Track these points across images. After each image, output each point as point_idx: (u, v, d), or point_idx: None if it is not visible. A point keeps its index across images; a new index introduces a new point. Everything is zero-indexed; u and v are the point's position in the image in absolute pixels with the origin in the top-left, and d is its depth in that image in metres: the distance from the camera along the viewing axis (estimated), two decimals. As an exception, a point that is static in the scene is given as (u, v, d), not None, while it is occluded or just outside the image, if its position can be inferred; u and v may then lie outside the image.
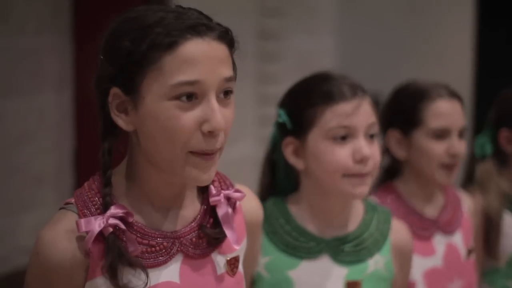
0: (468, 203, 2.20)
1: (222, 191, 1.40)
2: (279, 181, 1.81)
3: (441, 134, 2.05)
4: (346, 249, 1.72)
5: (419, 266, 2.03)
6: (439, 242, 2.08)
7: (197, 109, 1.27)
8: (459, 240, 2.11)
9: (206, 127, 1.27)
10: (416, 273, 2.01)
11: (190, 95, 1.27)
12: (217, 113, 1.28)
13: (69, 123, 3.29)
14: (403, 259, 1.82)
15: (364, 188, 1.68)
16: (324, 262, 1.70)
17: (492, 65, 5.65)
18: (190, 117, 1.27)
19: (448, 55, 5.10)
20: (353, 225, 1.76)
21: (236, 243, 1.38)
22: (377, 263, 1.74)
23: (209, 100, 1.28)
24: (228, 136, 1.33)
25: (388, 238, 1.77)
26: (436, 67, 4.84)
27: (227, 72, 1.30)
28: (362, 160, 1.66)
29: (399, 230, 1.82)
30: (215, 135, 1.29)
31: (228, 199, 1.41)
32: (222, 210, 1.38)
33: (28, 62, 3.11)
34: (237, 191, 1.42)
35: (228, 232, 1.37)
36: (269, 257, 1.70)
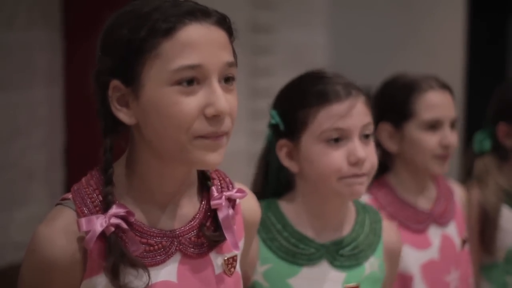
0: (460, 194, 2.20)
1: (224, 193, 1.37)
2: (271, 182, 1.77)
3: (433, 126, 2.05)
4: (344, 253, 1.69)
5: (416, 259, 2.02)
6: (434, 234, 2.07)
7: (199, 94, 1.26)
8: (453, 230, 2.11)
9: (209, 111, 1.25)
10: (413, 267, 2.01)
11: (191, 80, 1.25)
12: (221, 96, 1.26)
13: (59, 118, 3.27)
14: (394, 259, 1.80)
15: (361, 187, 1.65)
16: (323, 268, 1.67)
17: (483, 57, 5.65)
18: (192, 101, 1.25)
19: (440, 48, 5.10)
20: (347, 227, 1.73)
21: (235, 247, 1.36)
22: (372, 265, 1.72)
23: (211, 84, 1.26)
24: (235, 122, 1.30)
25: (381, 239, 1.75)
26: (429, 60, 4.84)
27: (228, 56, 1.29)
28: (357, 163, 1.63)
29: (389, 230, 1.79)
30: (220, 119, 1.27)
31: (229, 199, 1.38)
32: (223, 213, 1.36)
33: (18, 57, 3.09)
34: (239, 191, 1.40)
35: (228, 236, 1.35)
36: (268, 265, 1.66)
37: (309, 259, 1.67)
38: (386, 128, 2.09)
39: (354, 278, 1.69)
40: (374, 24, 5.06)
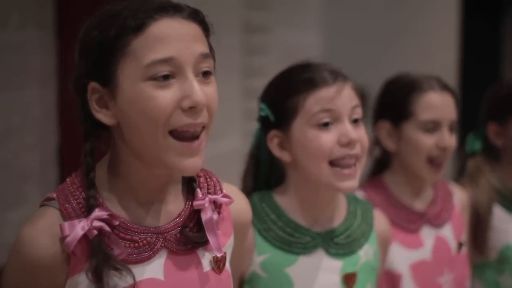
0: (460, 196, 2.20)
1: (208, 196, 1.37)
2: (262, 176, 1.78)
3: (431, 127, 2.04)
4: (339, 241, 1.71)
5: (406, 258, 2.02)
6: (428, 235, 2.07)
7: (174, 87, 1.25)
8: (449, 233, 2.10)
9: (186, 103, 1.25)
10: (402, 266, 2.01)
11: (167, 76, 1.25)
12: (196, 87, 1.25)
13: (52, 119, 3.26)
14: (385, 246, 1.84)
15: (352, 182, 1.66)
16: (319, 257, 1.69)
17: (477, 56, 5.66)
18: (168, 95, 1.25)
19: (434, 48, 5.10)
20: (340, 216, 1.75)
21: (218, 250, 1.35)
22: (367, 253, 1.74)
23: (186, 77, 1.26)
24: (214, 116, 1.30)
25: (373, 227, 1.78)
26: (422, 59, 4.84)
27: (202, 48, 1.28)
28: (349, 143, 1.64)
29: (380, 219, 1.83)
30: (198, 110, 1.26)
31: (215, 202, 1.38)
32: (206, 215, 1.35)
33: (11, 58, 3.08)
34: (225, 196, 1.39)
35: (211, 239, 1.34)
36: (264, 256, 1.67)
37: (305, 248, 1.68)
38: (385, 126, 2.08)
39: (351, 266, 1.71)
40: (367, 24, 5.07)
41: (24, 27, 3.13)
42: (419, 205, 2.10)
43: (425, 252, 2.05)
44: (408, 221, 2.06)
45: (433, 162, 2.05)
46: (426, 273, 2.04)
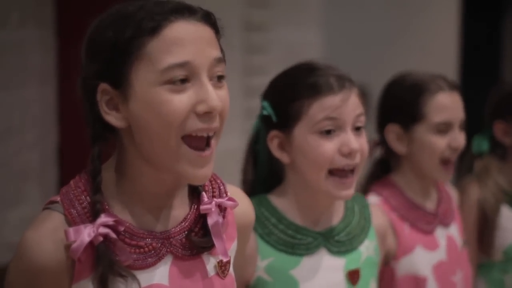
0: (455, 196, 2.20)
1: (214, 199, 1.35)
2: (261, 174, 1.77)
3: (444, 128, 2.01)
4: (340, 239, 1.70)
5: (428, 260, 2.00)
6: (441, 235, 2.05)
7: (190, 91, 1.23)
8: (455, 231, 2.10)
9: (201, 108, 1.23)
10: (426, 268, 1.99)
11: (183, 80, 1.23)
12: (212, 92, 1.24)
13: (52, 118, 3.26)
14: (384, 241, 1.84)
15: (349, 191, 1.66)
16: (322, 256, 1.69)
17: (477, 56, 5.65)
18: (184, 99, 1.23)
19: (434, 46, 5.10)
20: (339, 214, 1.75)
21: (225, 255, 1.33)
22: (368, 248, 1.74)
23: (201, 81, 1.24)
24: (225, 121, 1.28)
25: (371, 223, 1.78)
26: (422, 59, 4.84)
27: (217, 52, 1.27)
28: (350, 154, 1.63)
29: (377, 213, 1.83)
30: (213, 116, 1.25)
31: (220, 206, 1.36)
32: (213, 220, 1.33)
33: (11, 56, 3.08)
34: (230, 199, 1.37)
35: (217, 243, 1.32)
36: (268, 260, 1.66)
37: (308, 248, 1.68)
38: (394, 129, 2.05)
39: (354, 263, 1.71)
40: (367, 22, 5.07)
41: (24, 26, 3.12)
42: (430, 205, 2.08)
43: (441, 252, 2.03)
44: (426, 223, 2.04)
45: (445, 162, 2.03)
46: (444, 273, 2.02)
